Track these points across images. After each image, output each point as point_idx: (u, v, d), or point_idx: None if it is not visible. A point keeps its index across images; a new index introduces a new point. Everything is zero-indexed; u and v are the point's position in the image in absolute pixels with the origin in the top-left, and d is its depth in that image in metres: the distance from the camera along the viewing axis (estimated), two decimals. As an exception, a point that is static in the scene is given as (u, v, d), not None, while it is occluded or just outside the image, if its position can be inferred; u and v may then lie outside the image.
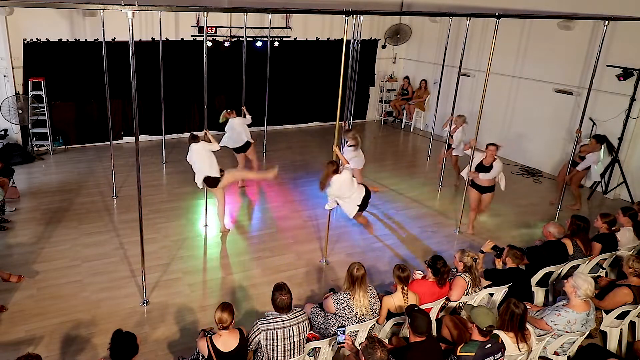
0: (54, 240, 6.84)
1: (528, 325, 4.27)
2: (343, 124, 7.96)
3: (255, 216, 8.05)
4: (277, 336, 3.98)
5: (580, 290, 4.38)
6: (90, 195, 8.38)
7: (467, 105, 11.63)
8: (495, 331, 4.01)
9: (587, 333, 4.60)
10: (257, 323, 4.05)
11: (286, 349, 4.02)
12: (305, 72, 12.71)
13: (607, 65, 8.80)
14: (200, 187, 6.91)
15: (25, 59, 9.80)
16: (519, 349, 4.10)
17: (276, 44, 11.23)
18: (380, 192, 9.09)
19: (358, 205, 6.47)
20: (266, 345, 3.99)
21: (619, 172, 8.95)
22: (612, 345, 5.06)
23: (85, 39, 10.16)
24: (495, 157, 7.09)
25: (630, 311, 4.95)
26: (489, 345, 3.86)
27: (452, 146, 9.05)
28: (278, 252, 6.91)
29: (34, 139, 10.19)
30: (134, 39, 4.79)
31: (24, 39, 9.68)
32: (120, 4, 4.52)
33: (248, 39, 9.67)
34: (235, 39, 11.12)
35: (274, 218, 7.93)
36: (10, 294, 5.61)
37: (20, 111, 9.60)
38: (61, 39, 9.97)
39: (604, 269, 5.94)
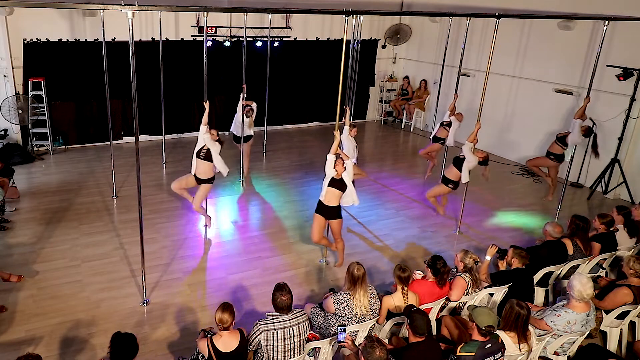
0: (54, 240, 6.84)
1: (529, 326, 4.27)
2: (345, 108, 7.90)
3: (255, 216, 8.05)
4: (277, 336, 3.98)
5: (574, 291, 4.37)
6: (90, 195, 8.38)
7: (467, 105, 11.64)
8: (496, 331, 4.01)
9: (587, 333, 4.60)
10: (257, 323, 4.05)
11: (286, 349, 4.02)
12: (305, 72, 12.71)
13: (607, 65, 8.80)
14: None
15: (25, 59, 9.80)
16: (520, 349, 4.10)
17: (276, 44, 11.23)
18: (381, 192, 9.14)
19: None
20: (266, 345, 3.99)
21: (619, 172, 8.96)
22: (612, 345, 5.06)
23: (85, 39, 10.17)
24: None
25: (630, 311, 4.95)
26: (489, 345, 3.86)
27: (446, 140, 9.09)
28: (278, 252, 6.91)
29: (34, 139, 10.19)
30: (134, 39, 4.80)
31: (24, 39, 9.69)
32: (120, 4, 4.53)
33: (248, 39, 9.67)
34: (235, 39, 11.12)
35: (274, 218, 7.93)
36: (10, 294, 5.61)
37: (20, 111, 9.60)
38: (61, 39, 9.97)
39: (604, 269, 5.94)
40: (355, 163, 7.58)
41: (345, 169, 6.08)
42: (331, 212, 6.16)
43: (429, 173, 9.65)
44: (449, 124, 8.94)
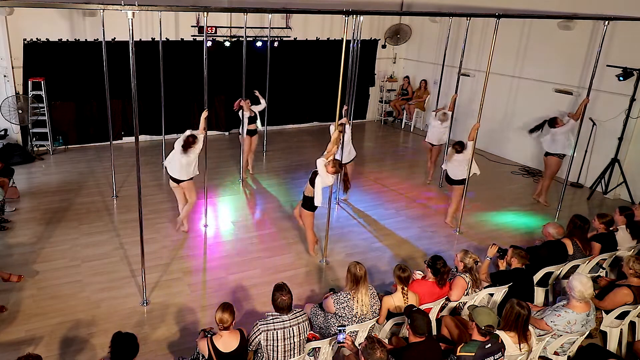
0: (54, 240, 6.84)
1: (529, 326, 4.27)
2: (344, 110, 8.14)
3: (255, 216, 8.05)
4: (277, 336, 3.98)
5: (575, 291, 4.38)
6: (90, 195, 8.38)
7: (467, 105, 11.64)
8: (496, 331, 4.01)
9: (587, 333, 4.60)
10: (257, 323, 4.05)
11: (286, 349, 4.02)
12: (305, 72, 12.71)
13: (607, 65, 8.80)
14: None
15: (25, 59, 9.80)
16: (520, 349, 4.10)
17: (276, 44, 11.23)
18: (381, 192, 9.13)
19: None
20: (266, 345, 3.99)
21: (619, 172, 8.96)
22: (612, 345, 5.06)
23: (85, 39, 10.17)
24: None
25: (630, 311, 4.95)
26: (489, 345, 3.86)
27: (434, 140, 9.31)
28: (278, 252, 6.91)
29: (34, 139, 10.19)
30: (134, 39, 4.80)
31: (24, 39, 9.69)
32: (120, 4, 4.53)
33: (248, 39, 9.67)
34: (235, 39, 11.12)
35: (274, 218, 7.93)
36: (10, 294, 5.61)
37: (20, 111, 9.60)
38: (61, 39, 9.97)
39: (604, 269, 5.94)
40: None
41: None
42: (303, 200, 6.42)
43: (430, 178, 9.68)
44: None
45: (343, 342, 4.10)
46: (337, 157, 6.44)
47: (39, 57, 9.88)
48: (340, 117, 7.36)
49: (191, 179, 6.84)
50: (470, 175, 7.36)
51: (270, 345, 3.98)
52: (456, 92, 8.95)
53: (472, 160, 7.25)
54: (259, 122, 9.26)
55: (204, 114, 6.63)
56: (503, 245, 5.68)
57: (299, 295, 5.81)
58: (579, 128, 8.01)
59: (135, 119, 5.11)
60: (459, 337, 4.53)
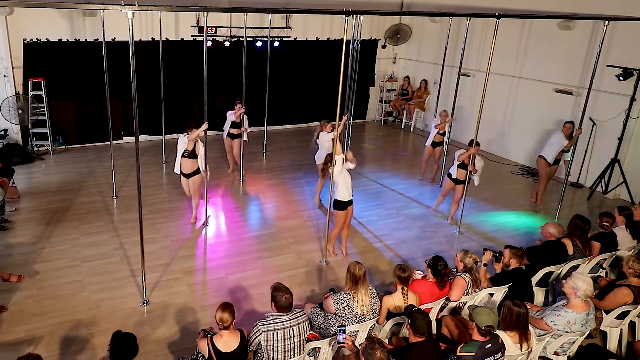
0: (54, 240, 6.84)
1: (529, 325, 4.27)
2: (344, 118, 8.33)
3: (255, 216, 8.05)
4: (277, 337, 3.98)
5: (580, 291, 4.38)
6: (90, 195, 8.38)
7: (467, 105, 11.64)
8: (497, 331, 4.01)
9: (587, 333, 4.60)
10: (257, 324, 4.04)
11: (286, 349, 4.02)
12: (305, 72, 12.71)
13: (607, 65, 8.80)
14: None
15: (25, 59, 9.80)
16: (520, 349, 4.10)
17: (276, 44, 11.23)
18: (381, 192, 9.13)
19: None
20: (266, 345, 3.99)
21: (619, 172, 8.96)
22: (612, 345, 5.06)
23: (85, 39, 10.17)
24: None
25: (630, 311, 4.95)
26: (489, 345, 3.86)
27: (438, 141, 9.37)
28: (278, 252, 6.91)
29: (34, 139, 10.19)
30: (134, 39, 4.80)
31: (24, 39, 9.69)
32: (120, 4, 4.53)
33: (248, 39, 9.68)
34: (235, 39, 11.12)
35: (274, 218, 7.93)
36: (10, 294, 5.61)
37: (20, 111, 9.60)
38: (61, 39, 9.97)
39: (604, 269, 5.94)
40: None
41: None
42: None
43: (423, 173, 9.81)
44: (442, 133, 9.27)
45: (343, 342, 4.10)
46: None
47: (39, 57, 9.88)
48: (341, 119, 7.40)
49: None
50: (469, 183, 7.49)
51: (270, 345, 3.98)
52: (456, 92, 8.93)
53: (467, 180, 7.42)
54: (246, 135, 9.20)
55: (204, 127, 6.74)
56: (500, 246, 5.66)
57: (299, 295, 5.81)
58: (572, 154, 8.24)
59: (135, 119, 5.11)
60: (459, 337, 4.53)
